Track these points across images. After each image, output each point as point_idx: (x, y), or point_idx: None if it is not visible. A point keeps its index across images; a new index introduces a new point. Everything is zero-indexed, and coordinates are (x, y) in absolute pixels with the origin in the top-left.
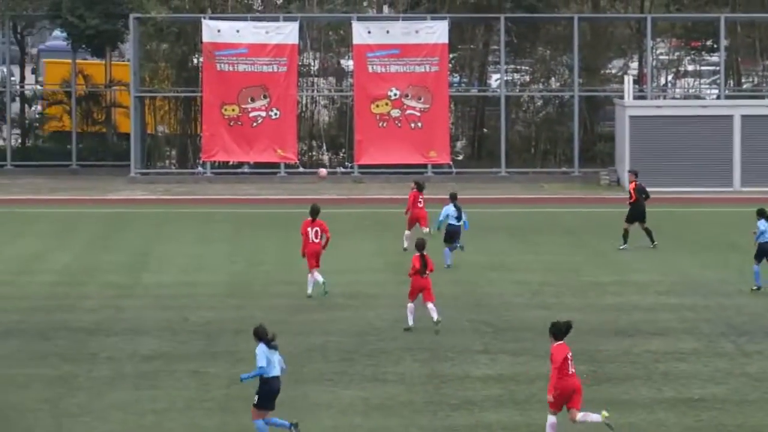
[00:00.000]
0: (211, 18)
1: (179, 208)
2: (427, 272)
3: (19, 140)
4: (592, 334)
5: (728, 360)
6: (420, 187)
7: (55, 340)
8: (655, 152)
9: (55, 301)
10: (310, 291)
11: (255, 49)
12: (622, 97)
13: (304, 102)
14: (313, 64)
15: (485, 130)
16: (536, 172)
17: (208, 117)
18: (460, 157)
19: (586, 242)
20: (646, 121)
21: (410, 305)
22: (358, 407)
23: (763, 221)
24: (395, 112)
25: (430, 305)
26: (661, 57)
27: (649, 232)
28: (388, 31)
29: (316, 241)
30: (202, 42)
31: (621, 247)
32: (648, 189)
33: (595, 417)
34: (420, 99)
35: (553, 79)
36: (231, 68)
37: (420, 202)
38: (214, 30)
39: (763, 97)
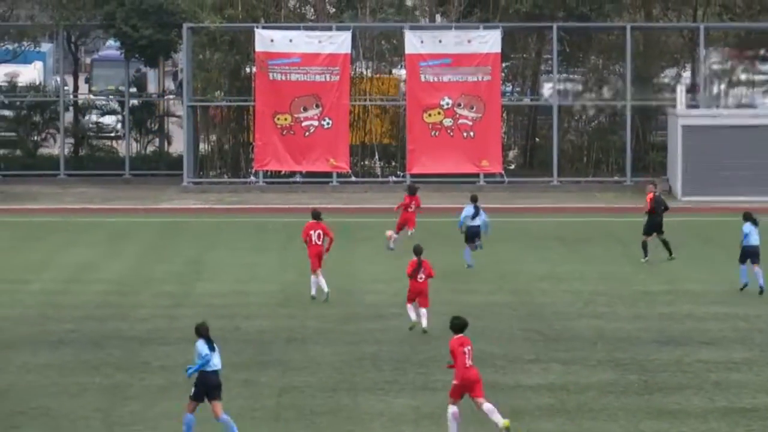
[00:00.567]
0: (264, 27)
1: (231, 218)
2: (422, 277)
3: (73, 149)
4: (643, 344)
5: None
6: (412, 191)
7: (108, 349)
8: (707, 162)
9: (108, 310)
10: (313, 292)
11: (307, 58)
12: (674, 107)
13: (356, 111)
14: (365, 73)
15: (537, 139)
16: (588, 182)
17: (261, 126)
18: (512, 167)
19: (638, 252)
20: (699, 131)
21: (409, 306)
22: (409, 416)
23: (748, 224)
24: (447, 122)
25: (422, 311)
26: (713, 66)
27: (666, 244)
28: (440, 41)
29: (319, 243)
30: (255, 51)
31: (643, 260)
32: (700, 198)
33: (497, 418)
34: (472, 108)
35: (605, 88)
36: (284, 77)
37: (411, 207)
38: (267, 39)
39: None
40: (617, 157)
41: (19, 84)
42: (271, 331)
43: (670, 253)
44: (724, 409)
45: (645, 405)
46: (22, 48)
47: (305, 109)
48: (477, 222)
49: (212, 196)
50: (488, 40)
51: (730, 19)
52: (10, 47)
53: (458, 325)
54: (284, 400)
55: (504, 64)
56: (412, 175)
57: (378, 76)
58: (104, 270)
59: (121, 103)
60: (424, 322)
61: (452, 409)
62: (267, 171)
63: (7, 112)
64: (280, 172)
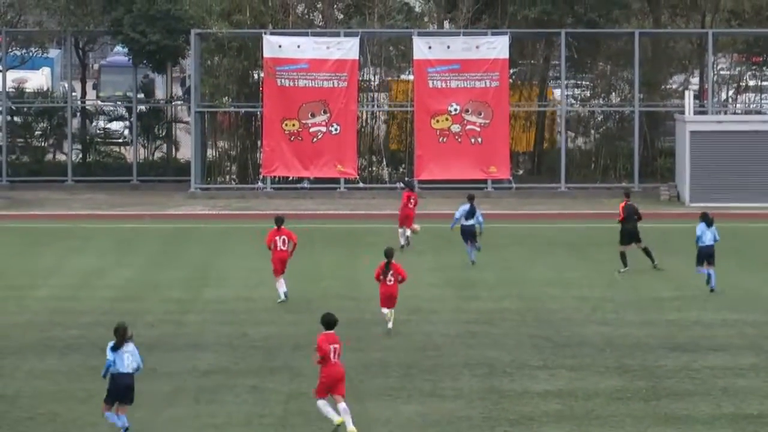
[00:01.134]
0: (272, 33)
1: (239, 223)
2: (392, 280)
3: (80, 155)
4: (651, 350)
5: None
6: (410, 187)
7: None
8: (715, 167)
9: (116, 316)
10: (282, 297)
11: (316, 64)
12: (682, 113)
13: (364, 117)
14: (373, 79)
15: (545, 145)
16: (596, 188)
17: (269, 132)
18: (520, 173)
19: (645, 258)
20: (707, 137)
21: (384, 310)
22: (417, 422)
23: (701, 225)
24: (455, 128)
25: (386, 310)
26: (722, 72)
27: (647, 252)
28: (448, 47)
29: (284, 248)
30: (263, 57)
31: (621, 271)
32: (708, 204)
33: (348, 420)
34: (480, 114)
35: (613, 94)
36: (292, 83)
37: (411, 202)
38: (275, 45)
39: None
40: (625, 163)
41: (27, 90)
42: (279, 337)
43: (653, 261)
44: (731, 415)
45: (652, 411)
46: (30, 54)
47: (313, 115)
48: (471, 221)
49: (220, 202)
50: (496, 46)
51: (738, 25)
52: (18, 53)
53: (327, 322)
54: (292, 406)
55: (512, 70)
56: (420, 182)
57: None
58: (111, 276)
59: (129, 109)
60: (389, 324)
61: (320, 402)
62: (275, 177)
63: (15, 118)
64: (287, 178)
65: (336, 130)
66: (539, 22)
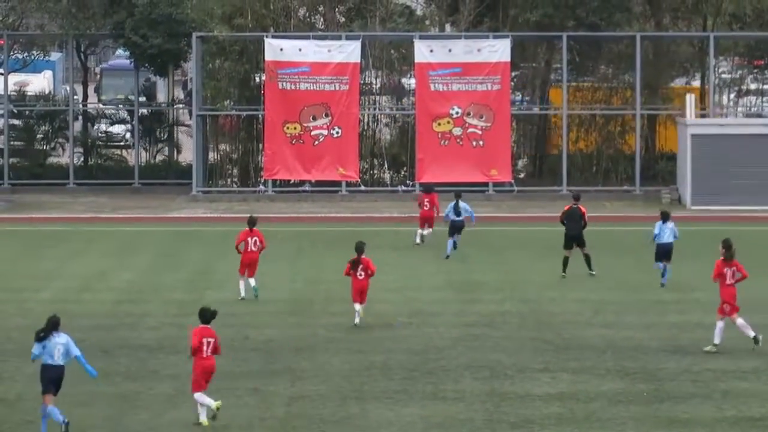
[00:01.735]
0: (273, 36)
1: (241, 226)
2: (362, 274)
3: (82, 158)
4: (652, 353)
5: None
6: (425, 190)
7: (117, 358)
8: (716, 170)
9: (118, 319)
10: (243, 293)
11: (317, 67)
12: (684, 116)
13: (365, 120)
14: (374, 82)
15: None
16: (598, 191)
17: (270, 135)
18: (522, 176)
19: (648, 261)
20: (708, 140)
21: (356, 305)
22: (418, 425)
23: (659, 223)
24: (457, 131)
25: (359, 306)
26: (723, 75)
27: (587, 259)
28: (450, 50)
29: (254, 249)
30: (264, 60)
31: (562, 275)
32: (710, 207)
33: (209, 401)
34: (482, 117)
35: (615, 97)
36: (293, 87)
37: (426, 204)
38: (277, 48)
39: None
40: (626, 166)
41: (29, 93)
42: (280, 339)
43: (590, 269)
44: (733, 418)
45: (654, 414)
46: (32, 57)
47: (315, 118)
48: (460, 218)
49: (221, 205)
50: (498, 50)
51: (740, 29)
52: (20, 56)
53: (203, 315)
54: (294, 409)
55: (513, 73)
56: (422, 184)
57: None
58: (113, 279)
59: (131, 112)
60: (357, 319)
61: (197, 395)
62: (276, 180)
63: (16, 122)
64: (289, 181)
65: (337, 133)
66: (541, 25)
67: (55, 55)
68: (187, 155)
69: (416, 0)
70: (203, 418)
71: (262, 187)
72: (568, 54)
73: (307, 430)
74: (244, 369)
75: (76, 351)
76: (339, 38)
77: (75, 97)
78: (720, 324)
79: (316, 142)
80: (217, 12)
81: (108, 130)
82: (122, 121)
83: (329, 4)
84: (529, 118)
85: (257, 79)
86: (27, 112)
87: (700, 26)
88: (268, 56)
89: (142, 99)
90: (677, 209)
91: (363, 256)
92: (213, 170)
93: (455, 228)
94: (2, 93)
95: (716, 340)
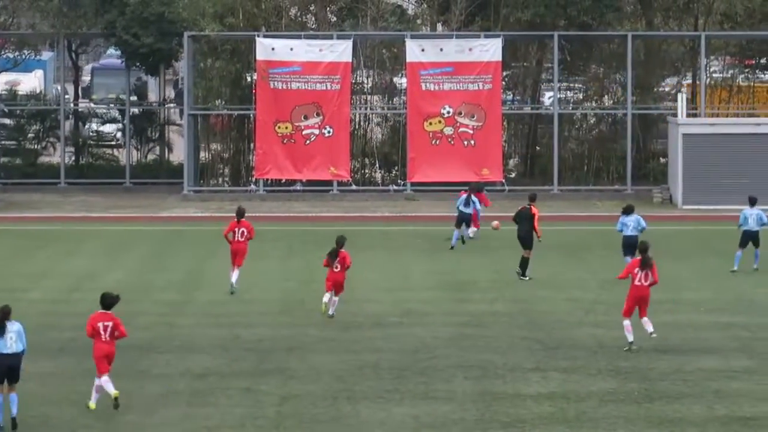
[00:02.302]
0: (265, 36)
1: None
2: (338, 267)
3: (73, 158)
4: (643, 352)
5: None
6: (475, 188)
7: None
8: (707, 170)
9: None
10: (235, 282)
11: (308, 67)
12: (675, 115)
13: (357, 120)
14: (366, 81)
15: (538, 147)
16: (589, 190)
17: (262, 135)
18: (513, 175)
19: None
20: (699, 139)
21: (327, 294)
22: (409, 425)
23: (622, 217)
24: (448, 130)
25: (335, 298)
26: (714, 75)
27: (523, 263)
28: (441, 49)
29: (241, 240)
30: (255, 60)
31: (520, 277)
32: (701, 207)
33: (110, 389)
34: (473, 117)
35: (606, 96)
36: (284, 86)
37: (473, 201)
38: (268, 48)
39: None
40: (618, 166)
41: (20, 92)
42: (272, 339)
43: (522, 273)
44: (724, 417)
45: (645, 414)
46: (23, 56)
47: (306, 118)
48: (469, 210)
49: (213, 205)
50: (489, 49)
51: (731, 28)
52: (11, 56)
53: (103, 301)
54: (285, 408)
55: (505, 73)
56: (413, 184)
57: None
58: (104, 278)
59: (122, 112)
60: (331, 310)
61: (103, 378)
62: (267, 179)
63: (7, 121)
64: (280, 180)
65: (329, 132)
66: (532, 24)
67: (46, 54)
68: (179, 155)
69: None
70: (92, 403)
71: (253, 187)
72: (560, 53)
73: (298, 429)
74: (235, 369)
75: (24, 342)
76: (330, 38)
77: (66, 96)
78: (625, 323)
79: (308, 142)
80: (209, 11)
81: (99, 129)
82: (113, 121)
83: (320, 4)
84: (520, 117)
85: (248, 79)
86: (18, 112)
87: (691, 26)
88: (260, 56)
89: (134, 98)
90: (668, 209)
91: (342, 250)
92: (204, 170)
93: (462, 219)
94: None
95: (630, 338)
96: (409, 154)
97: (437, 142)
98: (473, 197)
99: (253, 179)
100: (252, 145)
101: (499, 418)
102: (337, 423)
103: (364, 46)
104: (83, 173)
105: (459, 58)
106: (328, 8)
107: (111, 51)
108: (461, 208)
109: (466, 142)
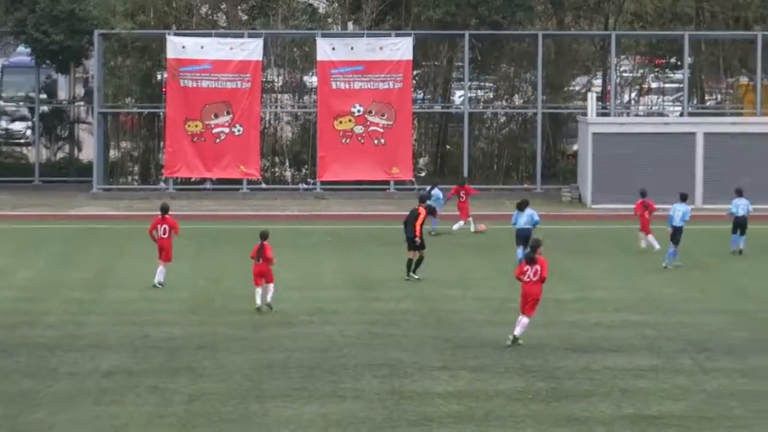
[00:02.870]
0: (175, 34)
1: (142, 224)
2: (260, 260)
3: None
4: (551, 351)
5: (687, 377)
6: (461, 182)
7: (15, 356)
8: (617, 169)
9: (17, 317)
10: (161, 280)
11: (219, 65)
12: (585, 114)
13: (267, 118)
14: (276, 80)
15: (448, 146)
16: (499, 189)
17: (172, 133)
18: (423, 174)
19: (549, 259)
20: (609, 139)
21: (257, 289)
22: (318, 423)
23: (516, 212)
24: (358, 129)
25: (269, 286)
26: (624, 74)
27: (409, 266)
28: (352, 48)
29: (164, 236)
30: (166, 58)
31: (406, 278)
32: (610, 206)
33: None
34: (383, 115)
35: (516, 95)
36: (195, 84)
37: (462, 195)
38: (179, 46)
39: (725, 115)
40: (527, 165)
41: None
42: (181, 337)
43: (408, 274)
44: (631, 416)
45: (553, 412)
46: None
47: (216, 116)
48: (428, 203)
49: (122, 203)
50: (400, 48)
51: (641, 28)
52: None
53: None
54: (194, 407)
55: (415, 72)
56: (323, 182)
57: None
58: (13, 277)
59: (31, 110)
60: (268, 297)
61: None
62: (177, 178)
63: None
64: (190, 178)
65: (239, 131)
66: (443, 23)
67: None
68: (88, 153)
69: None
70: None
71: (163, 185)
72: (470, 52)
73: (207, 428)
74: (144, 367)
75: None
76: (241, 36)
77: None
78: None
79: (218, 140)
80: (120, 9)
81: (8, 127)
82: (23, 119)
83: (231, 2)
84: (430, 116)
85: (159, 77)
86: None
87: (602, 25)
88: (170, 54)
89: (43, 96)
90: (578, 208)
91: (265, 242)
92: (114, 168)
93: (434, 210)
94: None
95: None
96: (319, 153)
97: (347, 141)
98: (435, 191)
99: (163, 177)
100: (162, 143)
101: (407, 417)
102: (245, 421)
103: (275, 45)
104: None
105: (370, 57)
106: (239, 6)
107: (21, 49)
108: (437, 200)
109: (376, 141)
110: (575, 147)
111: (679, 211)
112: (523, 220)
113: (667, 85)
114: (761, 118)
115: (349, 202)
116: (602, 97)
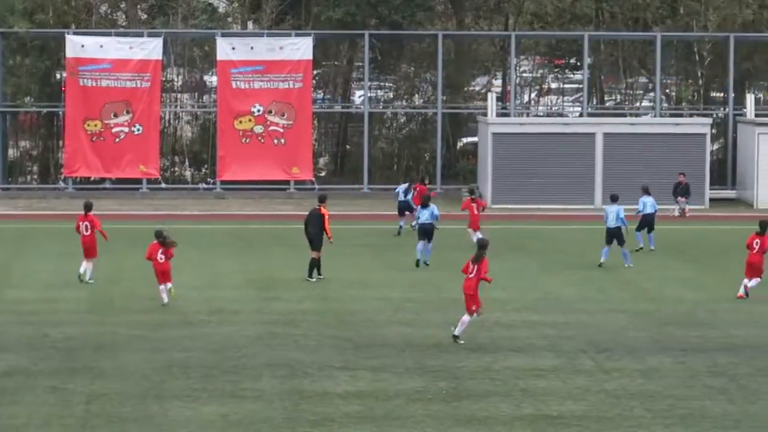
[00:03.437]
0: (75, 33)
1: (41, 224)
2: (162, 258)
3: None
4: (452, 351)
5: (587, 377)
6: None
7: None
8: (517, 169)
9: None
10: (88, 277)
11: (118, 64)
12: (485, 114)
13: (167, 118)
14: (176, 79)
15: (348, 146)
16: None
17: (71, 132)
18: (323, 174)
19: (448, 258)
20: (509, 139)
21: (161, 287)
22: (218, 424)
23: (419, 207)
24: (258, 128)
25: (167, 285)
26: (524, 74)
27: (311, 266)
28: (252, 48)
29: (86, 233)
30: (65, 57)
31: (307, 278)
32: (510, 206)
33: None
34: (283, 115)
35: (416, 95)
36: (94, 83)
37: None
38: (78, 45)
39: (625, 115)
40: (427, 165)
41: None
42: (80, 337)
43: (309, 276)
44: (531, 416)
45: (453, 412)
46: None
47: (116, 116)
48: (408, 197)
49: (21, 203)
50: (300, 48)
51: (541, 28)
52: None
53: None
54: (93, 407)
55: (316, 72)
56: (223, 182)
57: None
58: None
59: None
60: (164, 298)
61: None
62: (77, 177)
63: None
64: (89, 178)
65: (138, 130)
66: (343, 23)
67: None
68: None
69: None
70: None
71: (62, 185)
72: (371, 52)
73: (106, 428)
74: (42, 367)
75: None
76: (141, 35)
77: None
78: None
79: (117, 140)
80: (18, 7)
81: None
82: None
83: (131, 1)
84: (330, 116)
85: (58, 76)
86: None
87: (501, 25)
88: (69, 53)
89: None
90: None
91: (167, 240)
92: (12, 167)
93: (401, 208)
94: None
95: (457, 331)
96: (219, 153)
97: (247, 141)
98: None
99: (62, 177)
100: (61, 142)
101: (307, 417)
102: (145, 422)
103: (175, 44)
104: None
105: (270, 57)
106: (138, 6)
107: None
108: (400, 197)
109: (276, 141)
110: (465, 140)
111: (611, 212)
112: (425, 215)
113: (566, 86)
114: (660, 118)
115: (249, 202)
116: (502, 98)
